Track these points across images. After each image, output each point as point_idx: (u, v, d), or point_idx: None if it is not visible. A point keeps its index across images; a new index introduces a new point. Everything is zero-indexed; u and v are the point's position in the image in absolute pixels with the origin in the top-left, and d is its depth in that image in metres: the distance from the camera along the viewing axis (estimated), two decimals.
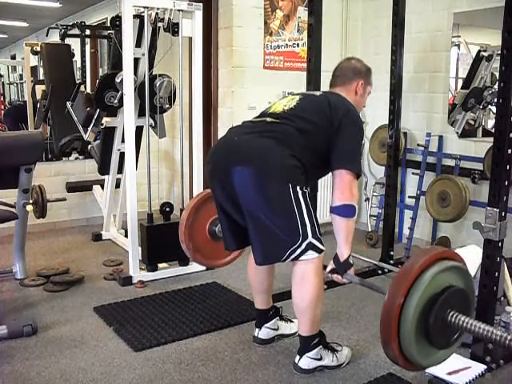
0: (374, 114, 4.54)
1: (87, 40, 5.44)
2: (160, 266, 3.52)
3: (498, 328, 1.64)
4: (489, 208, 2.24)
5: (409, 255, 3.92)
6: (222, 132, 4.13)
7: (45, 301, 3.09)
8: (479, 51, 3.92)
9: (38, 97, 5.35)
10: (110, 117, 3.87)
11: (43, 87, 5.17)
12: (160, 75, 3.58)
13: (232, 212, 2.25)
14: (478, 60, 3.93)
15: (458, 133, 3.99)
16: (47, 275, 3.39)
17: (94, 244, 4.25)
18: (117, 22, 3.42)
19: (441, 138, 4.03)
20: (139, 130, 3.80)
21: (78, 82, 4.99)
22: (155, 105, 3.56)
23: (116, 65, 3.64)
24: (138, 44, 3.53)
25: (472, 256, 2.58)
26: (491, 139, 2.30)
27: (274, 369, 2.37)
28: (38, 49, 5.26)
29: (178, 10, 3.36)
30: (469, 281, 1.76)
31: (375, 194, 4.50)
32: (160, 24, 3.41)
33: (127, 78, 3.26)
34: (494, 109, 3.84)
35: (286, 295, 2.41)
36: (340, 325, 2.82)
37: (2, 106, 6.17)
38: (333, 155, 2.20)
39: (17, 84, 6.30)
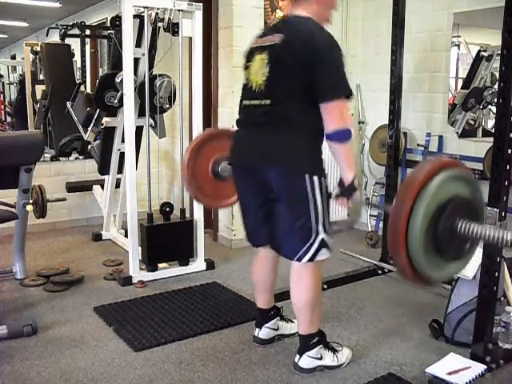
0: (374, 113, 4.55)
1: (87, 40, 5.45)
2: (160, 266, 3.52)
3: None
4: (489, 208, 2.24)
5: None
6: None
7: (45, 301, 3.09)
8: (479, 51, 3.92)
9: (38, 97, 5.36)
10: (110, 117, 3.87)
11: (43, 87, 5.18)
12: (160, 75, 3.58)
13: (259, 197, 2.30)
14: (477, 60, 3.93)
15: (458, 133, 3.99)
16: (47, 275, 3.39)
17: (93, 244, 4.25)
18: (117, 22, 3.42)
19: (441, 138, 4.03)
20: (139, 130, 3.80)
21: (78, 82, 5.00)
22: (155, 105, 3.56)
23: (116, 65, 3.64)
24: (138, 44, 3.53)
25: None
26: (491, 139, 2.29)
27: (273, 369, 2.37)
28: (38, 49, 5.26)
29: (178, 10, 3.36)
30: (476, 190, 1.71)
31: (375, 194, 4.50)
32: (160, 24, 3.41)
33: (127, 78, 3.26)
34: (493, 109, 3.84)
35: (287, 295, 2.41)
36: (340, 325, 2.82)
37: (3, 106, 6.18)
38: (317, 91, 2.08)
39: (17, 84, 6.31)
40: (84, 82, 5.32)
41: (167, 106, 3.69)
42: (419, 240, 1.58)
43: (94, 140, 4.13)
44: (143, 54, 3.54)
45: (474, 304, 2.46)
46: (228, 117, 4.09)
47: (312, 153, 2.17)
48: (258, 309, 2.60)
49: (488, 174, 3.28)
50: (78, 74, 5.47)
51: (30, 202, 3.17)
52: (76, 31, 5.20)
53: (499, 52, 2.23)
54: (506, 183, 2.23)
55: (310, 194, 2.14)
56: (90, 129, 3.94)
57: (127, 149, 3.34)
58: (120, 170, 4.09)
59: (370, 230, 4.42)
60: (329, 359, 2.34)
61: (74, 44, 5.34)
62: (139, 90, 3.54)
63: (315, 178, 2.14)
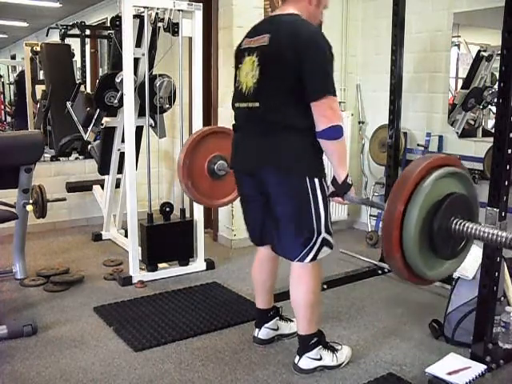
0: (374, 114, 4.55)
1: (87, 40, 5.45)
2: (160, 266, 3.52)
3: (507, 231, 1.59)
4: (489, 208, 2.24)
5: None
6: None
7: (45, 301, 3.09)
8: (479, 51, 3.92)
9: (38, 97, 5.36)
10: (110, 117, 3.87)
11: (43, 87, 5.18)
12: (160, 75, 3.58)
13: (261, 200, 2.29)
14: (477, 60, 3.93)
15: (457, 133, 3.99)
16: (47, 275, 3.39)
17: (93, 244, 4.25)
18: (117, 22, 3.42)
19: (441, 137, 4.03)
20: (139, 130, 3.80)
21: (78, 82, 5.00)
22: (155, 105, 3.56)
23: (116, 65, 3.64)
24: (138, 44, 3.53)
25: (472, 256, 2.57)
26: (491, 139, 2.29)
27: (273, 369, 2.37)
28: (38, 49, 5.26)
29: (178, 10, 3.36)
30: (471, 187, 1.70)
31: (375, 194, 4.50)
32: (160, 24, 3.41)
33: (127, 78, 3.26)
34: (494, 109, 3.84)
35: (286, 295, 2.41)
36: (340, 325, 2.82)
37: (2, 106, 6.18)
38: (306, 90, 2.06)
39: (15, 83, 6.31)
40: (84, 82, 5.32)
41: (167, 105, 3.69)
42: (414, 240, 1.57)
43: (94, 140, 4.13)
44: (143, 54, 3.54)
45: (473, 304, 2.46)
46: (228, 117, 4.09)
47: (311, 154, 2.16)
48: (258, 309, 2.60)
49: (488, 174, 3.28)
50: (78, 74, 5.47)
51: (30, 202, 3.17)
52: (76, 31, 5.20)
53: (499, 52, 2.23)
54: (506, 183, 2.23)
55: (311, 196, 2.14)
56: (89, 129, 3.94)
57: (127, 149, 3.34)
58: (120, 169, 4.09)
59: (370, 229, 4.42)
60: (328, 359, 2.34)
61: (74, 44, 5.34)
62: (139, 90, 3.54)
63: (316, 180, 2.14)
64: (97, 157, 4.20)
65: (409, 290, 3.22)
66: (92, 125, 3.90)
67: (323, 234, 2.19)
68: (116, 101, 3.67)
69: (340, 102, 4.32)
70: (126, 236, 3.85)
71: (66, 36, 5.19)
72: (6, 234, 3.88)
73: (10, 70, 6.71)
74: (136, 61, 3.49)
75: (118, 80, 3.57)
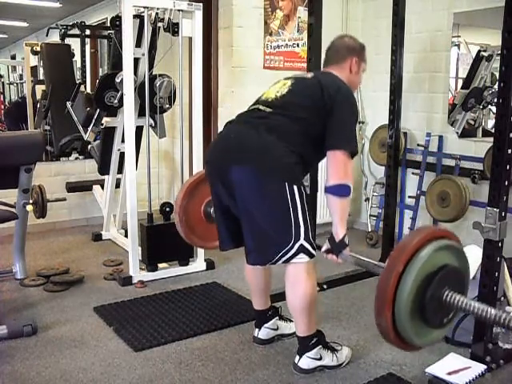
0: (374, 113, 4.55)
1: (87, 40, 5.44)
2: (160, 266, 3.52)
3: (495, 308, 1.63)
4: (489, 208, 2.24)
5: None
6: None
7: (45, 301, 3.09)
8: (479, 51, 3.92)
9: (38, 97, 5.35)
10: (110, 117, 3.87)
11: (43, 87, 5.18)
12: (160, 75, 3.58)
13: (232, 206, 2.24)
14: (477, 60, 3.93)
15: (458, 133, 3.99)
16: (47, 275, 3.39)
17: (93, 244, 4.25)
18: (117, 22, 3.42)
19: (441, 137, 4.03)
20: (139, 130, 3.80)
21: (78, 82, 5.00)
22: (155, 105, 3.56)
23: (116, 65, 3.64)
24: (138, 44, 3.53)
25: (472, 256, 2.57)
26: (491, 139, 2.30)
27: (273, 369, 2.37)
28: (38, 49, 5.26)
29: (178, 10, 3.36)
30: (464, 260, 1.76)
31: (375, 194, 4.50)
32: (160, 24, 3.41)
33: (127, 78, 3.26)
34: (494, 109, 3.84)
35: (283, 296, 2.41)
36: (340, 325, 2.82)
37: (2, 106, 6.18)
38: (326, 136, 2.16)
39: (17, 84, 6.31)
40: (84, 82, 5.31)
41: (167, 105, 3.69)
42: (406, 305, 1.61)
43: (94, 140, 4.13)
44: (143, 54, 3.54)
45: None
46: (228, 117, 4.08)
47: (294, 165, 2.15)
48: (255, 310, 2.60)
49: (488, 174, 3.29)
50: (78, 74, 5.46)
51: (30, 202, 3.17)
52: (76, 31, 5.20)
53: (499, 52, 2.23)
54: (506, 183, 2.23)
55: (289, 201, 2.11)
56: (89, 129, 3.94)
57: (127, 149, 3.34)
58: (120, 170, 4.09)
59: (370, 229, 4.42)
60: (328, 359, 2.34)
61: (74, 44, 5.33)
62: (139, 89, 3.54)
63: (295, 187, 2.13)
64: (97, 157, 4.20)
65: None
66: (92, 125, 3.90)
67: (302, 241, 2.14)
68: (116, 101, 3.67)
69: None
70: (126, 236, 3.85)
71: (66, 36, 5.18)
72: (6, 234, 3.88)
73: (10, 70, 6.71)
74: (136, 61, 3.49)
75: (118, 80, 3.57)
